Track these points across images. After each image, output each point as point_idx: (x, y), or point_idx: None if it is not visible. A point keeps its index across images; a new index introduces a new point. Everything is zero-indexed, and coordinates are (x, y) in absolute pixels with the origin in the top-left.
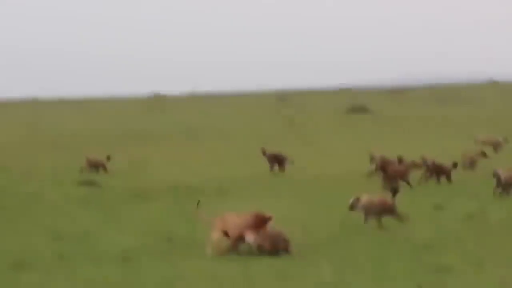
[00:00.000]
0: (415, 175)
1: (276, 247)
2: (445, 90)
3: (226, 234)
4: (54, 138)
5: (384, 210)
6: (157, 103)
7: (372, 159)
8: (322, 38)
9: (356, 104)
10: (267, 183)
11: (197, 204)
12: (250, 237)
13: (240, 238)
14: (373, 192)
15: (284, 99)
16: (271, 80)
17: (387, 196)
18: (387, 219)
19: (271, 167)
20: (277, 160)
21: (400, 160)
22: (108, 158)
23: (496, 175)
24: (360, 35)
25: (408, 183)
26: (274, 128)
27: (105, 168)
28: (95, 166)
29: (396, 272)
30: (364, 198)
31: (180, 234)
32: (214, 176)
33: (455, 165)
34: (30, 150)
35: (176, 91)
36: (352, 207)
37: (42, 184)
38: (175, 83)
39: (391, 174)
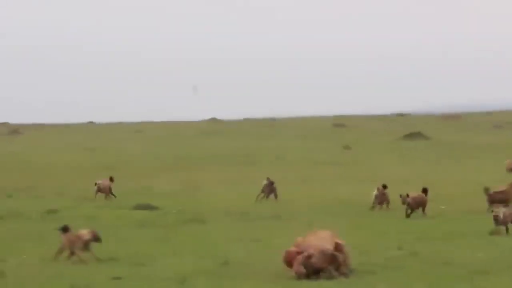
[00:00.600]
0: None
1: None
2: (501, 116)
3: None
4: (111, 162)
5: None
6: (214, 127)
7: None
8: (378, 62)
9: (412, 130)
10: (322, 207)
11: None
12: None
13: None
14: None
15: (341, 125)
16: (328, 105)
17: None
18: (444, 244)
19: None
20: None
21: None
22: (111, 179)
23: None
24: (416, 59)
25: None
26: (331, 152)
27: (110, 192)
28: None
29: None
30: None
31: (236, 258)
32: (269, 200)
33: None
34: (87, 173)
35: (233, 116)
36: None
37: (98, 207)
38: (231, 108)
39: None
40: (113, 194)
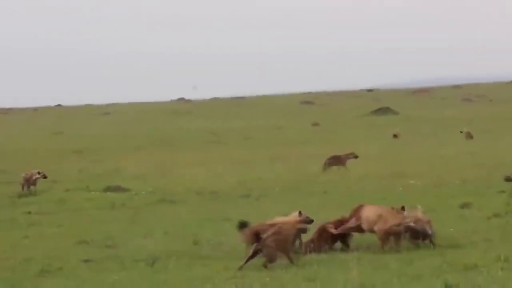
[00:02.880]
0: None
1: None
2: (469, 89)
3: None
4: (79, 144)
5: None
6: (182, 107)
7: None
8: (345, 39)
9: (381, 106)
10: (291, 185)
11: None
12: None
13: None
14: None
15: (309, 102)
16: (296, 83)
17: None
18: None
19: None
20: None
21: None
22: (39, 173)
23: None
24: (382, 34)
25: None
26: (300, 130)
27: (34, 184)
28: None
29: (423, 271)
30: None
31: (206, 238)
32: (240, 179)
33: None
34: (57, 157)
35: (201, 95)
36: None
37: (68, 190)
38: (200, 88)
39: None
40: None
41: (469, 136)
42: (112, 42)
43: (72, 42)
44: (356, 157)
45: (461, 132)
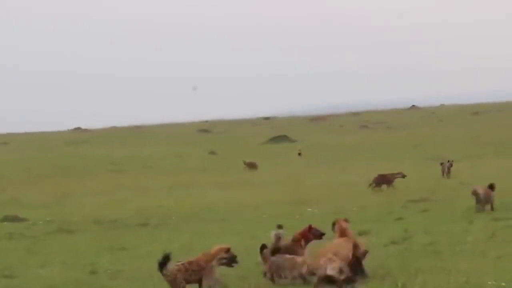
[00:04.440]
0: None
1: None
2: (367, 116)
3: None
4: None
5: None
6: (79, 137)
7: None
8: (240, 67)
9: (278, 133)
10: (190, 213)
11: None
12: None
13: None
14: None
15: (206, 130)
16: (193, 111)
17: None
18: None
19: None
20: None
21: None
22: None
23: (475, 193)
24: (278, 63)
25: None
26: (197, 159)
27: None
28: None
29: None
30: None
31: (104, 267)
32: (139, 208)
33: None
34: None
35: (98, 125)
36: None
37: None
38: (96, 117)
39: None
40: None
41: (253, 166)
42: None
43: None
44: (404, 176)
45: (244, 163)
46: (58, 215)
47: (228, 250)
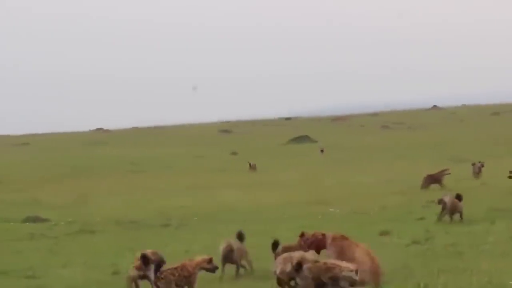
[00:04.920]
0: None
1: None
2: (387, 116)
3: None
4: None
5: None
6: (101, 137)
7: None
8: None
9: (299, 134)
10: (211, 214)
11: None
12: None
13: None
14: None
15: (227, 131)
16: (215, 111)
17: None
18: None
19: None
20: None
21: None
22: None
23: (441, 202)
24: (300, 62)
25: None
26: (218, 159)
27: None
28: None
29: None
30: None
31: (126, 267)
32: (159, 208)
33: None
34: None
35: (119, 125)
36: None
37: None
38: (118, 118)
39: None
40: None
41: (254, 168)
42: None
43: None
44: (449, 173)
45: (250, 165)
46: (79, 216)
47: (210, 261)
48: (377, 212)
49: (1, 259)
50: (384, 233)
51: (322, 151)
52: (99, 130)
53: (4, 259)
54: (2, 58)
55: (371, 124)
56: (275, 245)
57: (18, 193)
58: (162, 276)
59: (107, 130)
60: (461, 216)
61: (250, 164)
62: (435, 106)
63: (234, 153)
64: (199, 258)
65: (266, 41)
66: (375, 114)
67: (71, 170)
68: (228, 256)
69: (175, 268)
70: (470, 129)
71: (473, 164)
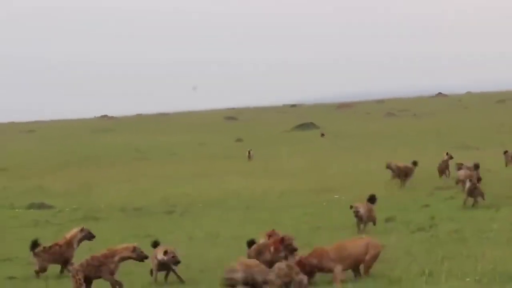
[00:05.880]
0: None
1: None
2: (392, 104)
3: None
4: (3, 161)
5: None
6: (106, 124)
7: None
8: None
9: (304, 121)
10: (215, 201)
11: None
12: None
13: None
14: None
15: (232, 118)
16: (220, 98)
17: None
18: (340, 234)
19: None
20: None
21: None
22: None
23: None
24: (303, 50)
25: None
26: (223, 146)
27: None
28: None
29: (347, 285)
30: None
31: None
32: (164, 195)
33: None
34: None
35: (124, 112)
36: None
37: None
38: (123, 105)
39: None
40: None
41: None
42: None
43: None
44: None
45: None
46: (84, 203)
47: (134, 249)
48: (383, 199)
49: (6, 245)
50: (389, 220)
51: (322, 135)
52: (104, 117)
53: (8, 246)
54: (6, 46)
55: (376, 111)
56: (250, 244)
57: (23, 180)
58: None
59: (112, 117)
60: (374, 223)
61: (249, 153)
62: (440, 93)
63: (239, 140)
64: (119, 246)
65: (272, 29)
66: (380, 101)
67: (76, 157)
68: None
69: (86, 260)
70: (475, 116)
71: (505, 153)
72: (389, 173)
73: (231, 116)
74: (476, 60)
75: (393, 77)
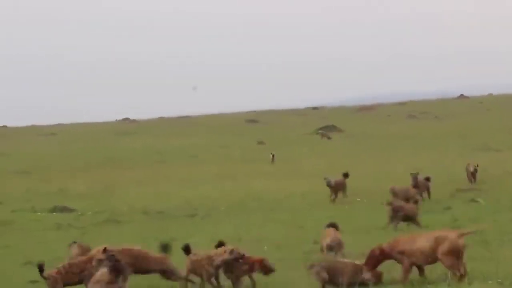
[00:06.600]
0: None
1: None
2: (414, 106)
3: None
4: (26, 164)
5: None
6: (127, 127)
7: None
8: (287, 58)
9: (326, 123)
10: (237, 203)
11: None
12: None
13: None
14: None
15: (254, 121)
16: (241, 101)
17: None
18: (362, 236)
19: None
20: None
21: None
22: None
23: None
24: (324, 54)
25: None
26: (245, 149)
27: None
28: None
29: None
30: None
31: None
32: (185, 199)
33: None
34: (1, 177)
35: (146, 115)
36: None
37: (15, 211)
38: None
39: None
40: None
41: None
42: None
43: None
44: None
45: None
46: (106, 206)
47: (104, 250)
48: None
49: (28, 249)
50: (411, 223)
51: (328, 138)
52: (126, 120)
53: (30, 249)
54: (29, 50)
55: (398, 114)
56: (186, 249)
57: (46, 183)
58: (46, 275)
59: (134, 120)
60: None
61: (273, 156)
62: (462, 95)
63: (260, 143)
64: (94, 250)
65: (294, 31)
66: (401, 104)
67: (98, 160)
68: None
69: (63, 266)
70: (497, 118)
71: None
72: (406, 175)
73: (253, 119)
74: (498, 62)
75: (414, 79)
